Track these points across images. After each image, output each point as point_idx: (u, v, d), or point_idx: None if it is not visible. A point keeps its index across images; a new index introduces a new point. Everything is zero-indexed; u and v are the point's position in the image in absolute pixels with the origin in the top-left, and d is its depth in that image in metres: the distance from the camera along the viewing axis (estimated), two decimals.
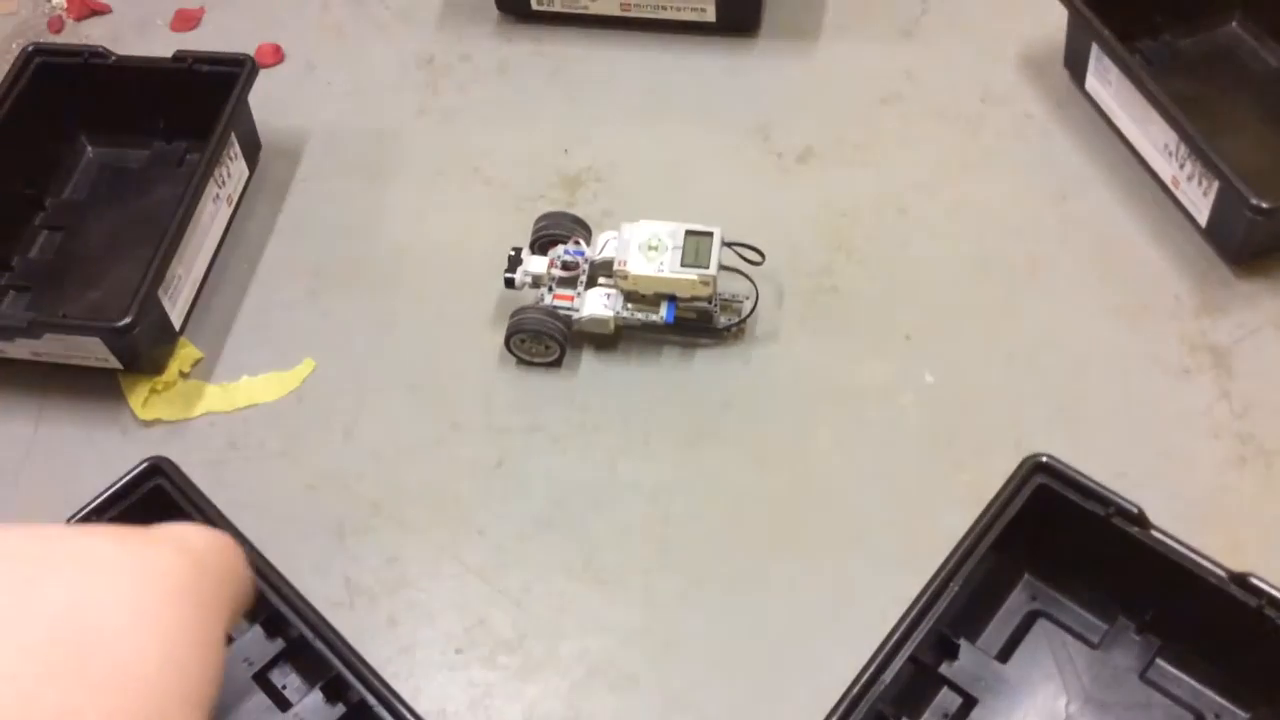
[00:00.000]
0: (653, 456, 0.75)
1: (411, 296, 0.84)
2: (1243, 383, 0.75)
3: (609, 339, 0.80)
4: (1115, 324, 0.79)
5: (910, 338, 0.79)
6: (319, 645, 0.62)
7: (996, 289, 0.81)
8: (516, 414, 0.77)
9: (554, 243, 0.80)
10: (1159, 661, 0.64)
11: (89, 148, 0.91)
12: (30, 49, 0.88)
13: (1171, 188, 0.83)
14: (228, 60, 0.86)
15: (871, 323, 0.80)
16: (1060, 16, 0.88)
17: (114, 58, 0.88)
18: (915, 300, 0.81)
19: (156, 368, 0.79)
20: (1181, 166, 0.81)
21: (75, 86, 0.88)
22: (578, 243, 0.79)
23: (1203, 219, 0.80)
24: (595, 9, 0.96)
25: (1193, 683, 0.63)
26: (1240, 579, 0.59)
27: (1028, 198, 0.85)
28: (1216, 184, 0.77)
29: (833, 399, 0.77)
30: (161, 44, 0.97)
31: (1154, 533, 0.61)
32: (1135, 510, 0.62)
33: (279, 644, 0.66)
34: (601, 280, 0.78)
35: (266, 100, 0.91)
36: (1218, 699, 0.62)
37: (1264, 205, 0.74)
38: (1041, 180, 0.86)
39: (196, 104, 0.85)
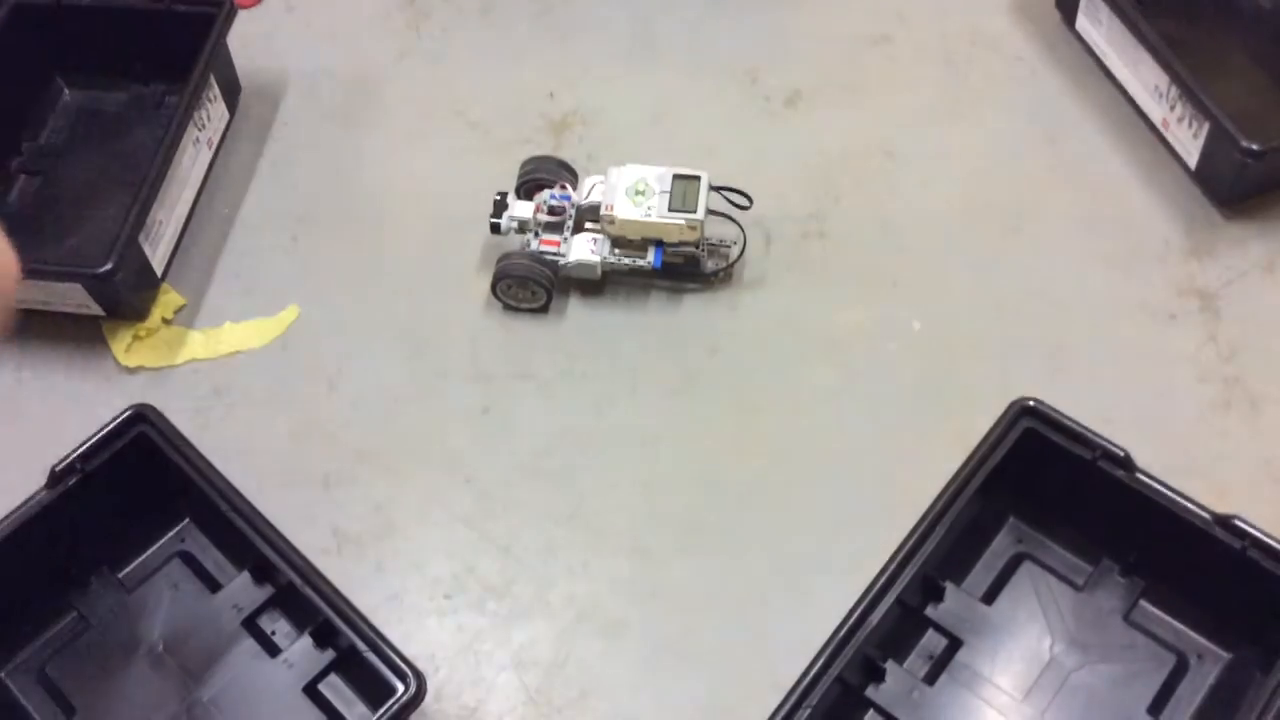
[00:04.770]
0: (640, 403, 0.75)
1: (396, 242, 0.83)
2: (1230, 326, 0.75)
3: (596, 284, 0.79)
4: (1103, 268, 0.78)
5: (898, 284, 0.79)
6: (307, 591, 0.61)
7: (984, 234, 0.81)
8: (503, 361, 0.77)
9: (540, 187, 0.79)
10: (1142, 603, 0.64)
11: (65, 90, 0.90)
12: None
13: (1162, 130, 0.82)
14: (205, 0, 0.85)
15: (859, 269, 0.79)
16: None
17: None
18: (903, 246, 0.80)
19: (139, 314, 0.79)
20: (1172, 108, 0.80)
21: (50, 27, 0.87)
22: (564, 187, 0.78)
23: (1192, 161, 0.80)
24: None
25: (1176, 624, 0.64)
26: (1225, 521, 0.60)
27: (1017, 141, 0.85)
28: (1207, 126, 0.77)
29: (820, 345, 0.76)
30: None
31: (1140, 476, 0.62)
32: (1121, 454, 0.62)
33: (268, 590, 0.66)
34: (588, 225, 0.78)
35: (246, 42, 0.89)
36: (1200, 640, 0.63)
37: (1254, 147, 0.73)
38: (1031, 123, 0.85)
39: (174, 45, 0.83)
